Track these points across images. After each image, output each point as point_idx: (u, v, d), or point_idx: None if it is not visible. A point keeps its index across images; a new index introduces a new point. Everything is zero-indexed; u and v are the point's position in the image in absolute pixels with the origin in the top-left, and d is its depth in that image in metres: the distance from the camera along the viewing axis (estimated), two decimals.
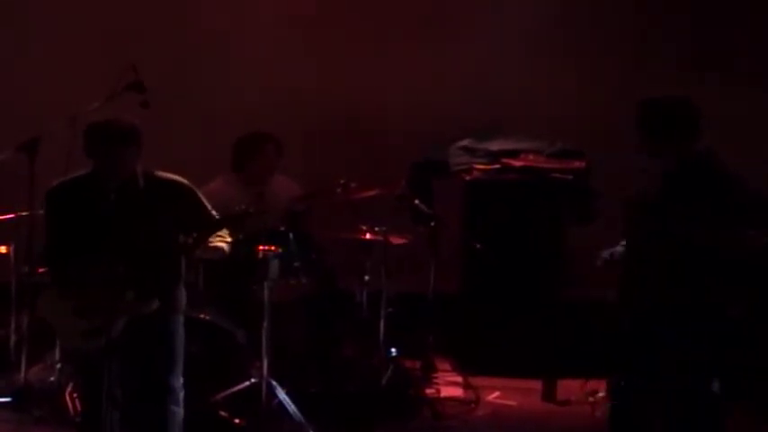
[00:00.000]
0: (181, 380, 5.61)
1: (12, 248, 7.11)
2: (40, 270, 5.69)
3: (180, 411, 5.60)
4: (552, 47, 8.78)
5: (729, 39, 8.73)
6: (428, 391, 7.45)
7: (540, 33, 8.80)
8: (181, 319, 5.64)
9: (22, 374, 7.00)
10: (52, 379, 6.92)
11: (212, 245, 5.61)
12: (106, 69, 7.09)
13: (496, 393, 7.62)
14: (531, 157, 8.25)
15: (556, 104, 8.66)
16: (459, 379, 7.77)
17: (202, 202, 5.69)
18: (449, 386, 7.67)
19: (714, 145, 8.45)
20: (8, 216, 7.06)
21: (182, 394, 5.60)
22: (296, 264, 7.00)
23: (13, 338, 7.16)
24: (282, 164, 7.68)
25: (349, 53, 8.82)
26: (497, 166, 8.27)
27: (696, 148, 5.76)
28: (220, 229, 5.64)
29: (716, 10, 8.74)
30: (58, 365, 6.84)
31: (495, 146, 8.39)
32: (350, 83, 8.74)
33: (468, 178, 8.27)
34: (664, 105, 5.76)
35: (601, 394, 7.44)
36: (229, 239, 5.71)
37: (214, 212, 5.67)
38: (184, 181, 5.66)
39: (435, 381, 7.68)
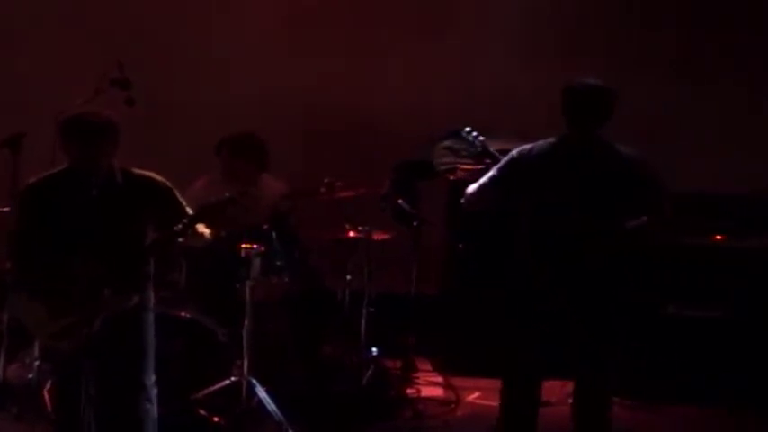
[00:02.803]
0: (153, 377, 5.58)
1: None
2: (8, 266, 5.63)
3: (154, 408, 5.58)
4: (541, 47, 8.76)
5: (724, 40, 8.72)
6: (409, 390, 7.47)
7: (529, 34, 8.79)
8: (151, 316, 5.61)
9: (0, 372, 6.99)
10: (30, 377, 6.90)
11: (197, 231, 5.54)
12: (92, 66, 7.08)
13: (477, 394, 7.61)
14: None
15: (543, 105, 8.62)
16: (440, 379, 7.80)
17: (178, 200, 5.65)
18: (429, 386, 7.68)
19: (710, 144, 8.53)
20: None
21: (154, 391, 5.58)
22: (278, 262, 6.99)
23: None
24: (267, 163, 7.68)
25: (334, 54, 8.81)
26: (482, 166, 8.23)
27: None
28: (202, 220, 5.51)
29: (711, 10, 8.73)
30: (37, 363, 6.82)
31: None
32: (335, 83, 8.73)
33: (452, 178, 8.25)
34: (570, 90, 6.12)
35: None
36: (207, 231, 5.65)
37: (190, 210, 5.61)
38: (160, 178, 5.63)
39: (416, 381, 7.68)
